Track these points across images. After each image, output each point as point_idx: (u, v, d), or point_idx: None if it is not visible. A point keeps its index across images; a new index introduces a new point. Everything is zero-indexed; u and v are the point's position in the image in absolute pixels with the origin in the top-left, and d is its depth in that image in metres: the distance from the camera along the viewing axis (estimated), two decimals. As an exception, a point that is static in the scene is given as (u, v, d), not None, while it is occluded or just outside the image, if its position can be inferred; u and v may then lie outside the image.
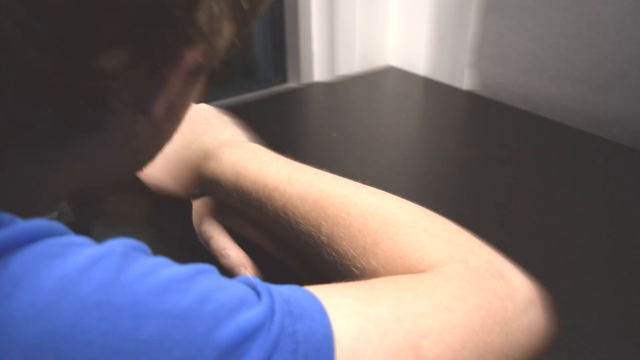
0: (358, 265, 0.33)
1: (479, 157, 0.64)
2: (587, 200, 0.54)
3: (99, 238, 0.52)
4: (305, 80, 0.95)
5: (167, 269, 0.23)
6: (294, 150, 0.68)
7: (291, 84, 0.98)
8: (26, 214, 0.22)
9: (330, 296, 0.26)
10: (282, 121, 0.77)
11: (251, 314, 0.22)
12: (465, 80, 0.86)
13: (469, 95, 0.84)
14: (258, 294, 0.24)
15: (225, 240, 0.44)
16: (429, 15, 0.89)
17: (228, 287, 0.24)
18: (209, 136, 0.43)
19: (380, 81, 0.93)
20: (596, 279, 0.43)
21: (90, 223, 0.52)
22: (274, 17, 0.95)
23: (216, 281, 0.24)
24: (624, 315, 0.39)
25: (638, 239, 0.48)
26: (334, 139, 0.70)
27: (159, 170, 0.45)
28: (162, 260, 0.24)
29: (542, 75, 0.76)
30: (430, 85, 0.90)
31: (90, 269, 0.21)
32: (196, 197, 0.48)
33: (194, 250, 0.47)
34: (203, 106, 0.48)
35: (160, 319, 0.21)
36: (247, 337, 0.22)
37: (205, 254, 0.45)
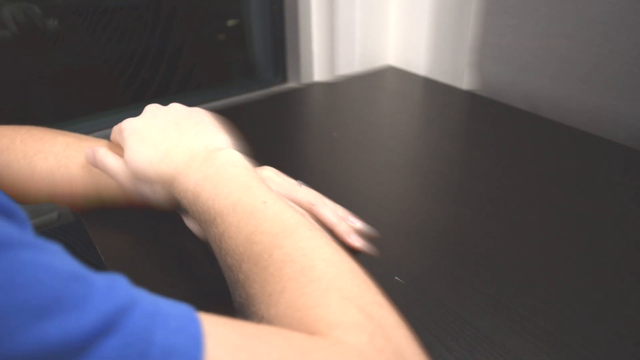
0: (259, 312, 0.30)
1: (479, 157, 0.64)
2: (587, 200, 0.54)
3: (99, 238, 0.53)
4: (305, 80, 0.95)
5: None
6: (294, 150, 0.69)
7: (291, 84, 0.98)
8: None
9: (208, 336, 0.22)
10: (282, 121, 0.77)
11: (61, 328, 0.16)
12: (465, 80, 0.86)
13: (469, 95, 0.84)
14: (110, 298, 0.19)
15: None
16: (429, 15, 0.89)
17: (45, 275, 0.17)
18: (182, 146, 0.42)
19: (380, 81, 0.93)
20: (596, 279, 0.43)
21: (90, 223, 0.52)
22: (274, 17, 0.96)
23: (25, 264, 0.17)
24: (624, 315, 0.39)
25: (638, 239, 0.48)
26: (334, 139, 0.70)
27: (141, 183, 0.44)
28: None
29: (542, 75, 0.76)
30: (430, 85, 0.90)
31: None
32: (183, 212, 0.48)
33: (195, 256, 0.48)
34: (176, 106, 0.47)
35: None
36: None
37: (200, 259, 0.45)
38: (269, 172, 0.48)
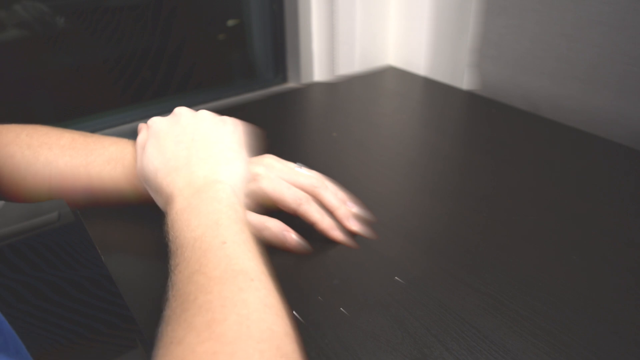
0: (153, 358, 0.28)
1: (479, 157, 0.64)
2: (586, 200, 0.54)
3: (99, 238, 0.53)
4: (305, 80, 0.95)
5: None
6: (294, 150, 0.69)
7: (291, 84, 0.98)
8: None
9: None
10: (282, 121, 0.77)
11: None
12: (465, 80, 0.86)
13: (469, 95, 0.84)
14: None
15: (258, 215, 0.45)
16: (429, 16, 0.89)
17: None
18: (185, 170, 0.42)
19: (380, 81, 0.93)
20: (596, 279, 0.43)
21: (90, 223, 0.52)
22: (274, 17, 0.96)
23: None
24: (624, 315, 0.39)
25: (637, 239, 0.48)
26: (334, 139, 0.70)
27: (146, 185, 0.45)
28: None
29: (542, 75, 0.76)
30: (430, 85, 0.90)
31: None
32: None
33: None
34: (203, 115, 0.47)
35: None
36: None
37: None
38: (270, 160, 0.49)
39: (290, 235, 0.45)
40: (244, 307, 0.30)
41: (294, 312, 0.40)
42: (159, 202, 0.44)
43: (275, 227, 0.45)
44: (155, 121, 0.47)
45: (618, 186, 0.57)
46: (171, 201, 0.40)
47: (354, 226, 0.48)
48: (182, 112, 0.47)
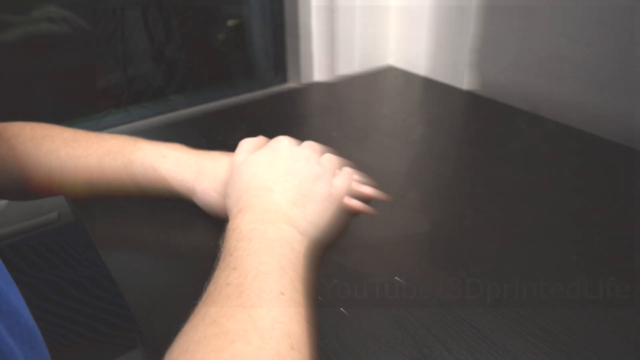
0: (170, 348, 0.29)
1: (479, 157, 0.64)
2: (586, 200, 0.54)
3: (98, 238, 0.53)
4: (305, 80, 0.95)
5: None
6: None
7: (291, 84, 0.98)
8: None
9: None
10: (282, 121, 0.77)
11: None
12: (465, 80, 0.86)
13: (469, 95, 0.84)
14: None
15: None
16: (429, 16, 0.89)
17: None
18: (278, 197, 0.41)
19: (380, 81, 0.93)
20: (595, 279, 0.43)
21: (90, 223, 0.52)
22: (274, 17, 0.96)
23: None
24: (624, 315, 0.39)
25: (637, 239, 0.48)
26: (334, 139, 0.70)
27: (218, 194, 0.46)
28: None
29: (542, 75, 0.76)
30: (430, 85, 0.90)
31: None
32: None
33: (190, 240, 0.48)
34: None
35: None
36: None
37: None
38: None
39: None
40: (237, 318, 0.30)
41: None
42: (229, 200, 0.43)
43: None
44: (284, 141, 0.47)
45: (618, 186, 0.57)
46: (249, 212, 0.39)
47: (368, 190, 0.48)
48: (310, 149, 0.47)
